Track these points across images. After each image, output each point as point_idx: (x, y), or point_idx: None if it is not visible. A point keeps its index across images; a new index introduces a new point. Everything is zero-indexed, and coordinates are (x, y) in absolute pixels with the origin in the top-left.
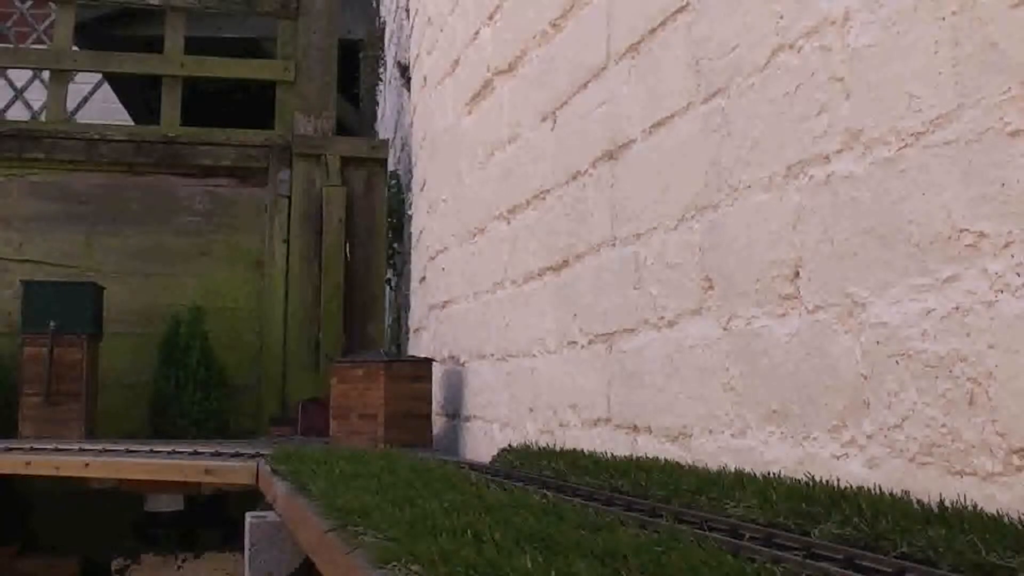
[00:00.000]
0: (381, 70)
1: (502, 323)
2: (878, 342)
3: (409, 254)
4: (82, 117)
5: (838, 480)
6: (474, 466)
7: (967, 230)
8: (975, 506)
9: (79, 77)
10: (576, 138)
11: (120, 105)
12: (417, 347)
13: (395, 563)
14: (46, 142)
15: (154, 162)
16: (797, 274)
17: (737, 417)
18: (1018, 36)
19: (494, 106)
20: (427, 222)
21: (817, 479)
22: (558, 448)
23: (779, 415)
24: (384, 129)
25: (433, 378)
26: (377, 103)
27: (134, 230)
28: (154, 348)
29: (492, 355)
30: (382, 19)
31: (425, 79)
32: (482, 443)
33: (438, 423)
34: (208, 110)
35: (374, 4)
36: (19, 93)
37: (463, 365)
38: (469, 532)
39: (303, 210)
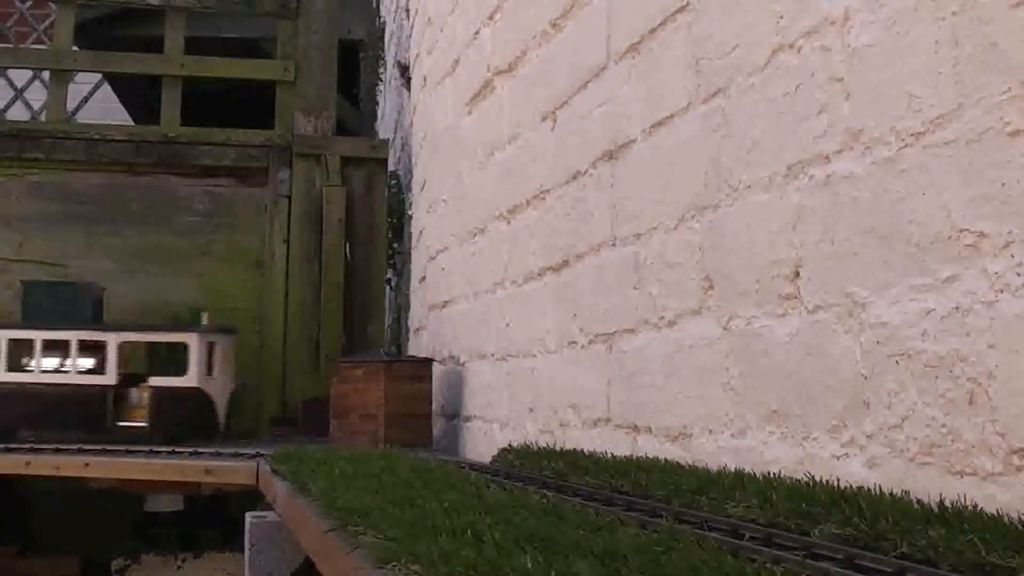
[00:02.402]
0: (381, 70)
1: (502, 323)
2: (878, 342)
3: (409, 254)
4: (82, 117)
5: (838, 480)
6: (474, 466)
7: (967, 230)
8: (975, 506)
9: (79, 77)
10: (576, 138)
11: (120, 105)
12: (417, 347)
13: (395, 563)
14: (46, 142)
15: (154, 162)
16: (797, 274)
17: (737, 417)
18: (1018, 36)
19: (494, 106)
20: (427, 222)
21: (817, 479)
22: (558, 448)
23: (779, 415)
24: (384, 129)
25: (433, 378)
26: (377, 103)
27: (134, 230)
28: None
29: (492, 355)
30: (382, 19)
31: (425, 79)
32: (482, 443)
33: (438, 423)
34: (209, 110)
35: (374, 4)
36: (19, 93)
37: (463, 365)
38: (469, 532)
39: (303, 210)
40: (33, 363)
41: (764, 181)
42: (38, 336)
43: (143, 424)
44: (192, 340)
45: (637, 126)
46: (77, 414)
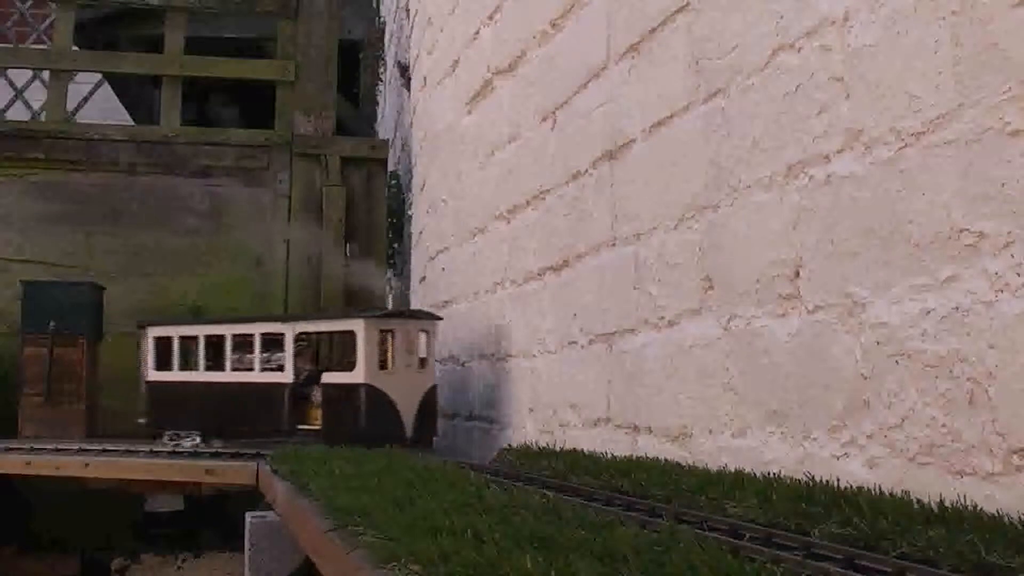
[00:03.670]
0: (381, 70)
1: (502, 323)
2: (878, 342)
3: (409, 254)
4: (82, 117)
5: (838, 480)
6: (474, 466)
7: (967, 230)
8: (975, 506)
9: (79, 77)
10: (576, 138)
11: (120, 105)
12: None
13: (395, 563)
14: (46, 142)
15: (154, 162)
16: (797, 274)
17: (737, 417)
18: (1018, 36)
19: (494, 106)
20: (427, 222)
21: (817, 479)
22: (558, 448)
23: (779, 415)
24: (384, 129)
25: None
26: (377, 103)
27: (134, 230)
28: None
29: (492, 355)
30: (382, 19)
31: (425, 79)
32: (482, 443)
33: (438, 423)
34: (211, 109)
35: (374, 4)
36: (19, 93)
37: (463, 365)
38: (469, 532)
39: (303, 210)
40: (227, 361)
41: (764, 181)
42: (228, 331)
43: (318, 427)
44: (359, 328)
45: (637, 126)
46: (257, 416)
